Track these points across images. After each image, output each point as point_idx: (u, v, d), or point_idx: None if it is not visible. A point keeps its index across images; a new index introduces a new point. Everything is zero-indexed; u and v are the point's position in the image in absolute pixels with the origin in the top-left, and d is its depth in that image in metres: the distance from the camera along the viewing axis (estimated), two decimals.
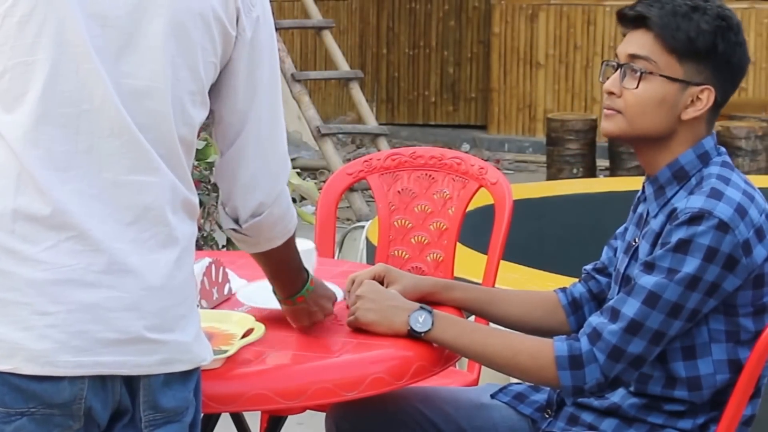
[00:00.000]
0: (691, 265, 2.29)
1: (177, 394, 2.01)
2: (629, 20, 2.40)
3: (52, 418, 1.93)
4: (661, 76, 2.37)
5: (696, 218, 2.29)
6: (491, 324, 2.70)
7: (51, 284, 1.90)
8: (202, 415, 2.12)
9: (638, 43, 2.38)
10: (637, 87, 2.38)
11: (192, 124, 2.02)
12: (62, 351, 1.90)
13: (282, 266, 2.35)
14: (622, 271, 2.48)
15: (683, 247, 2.29)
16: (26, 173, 1.90)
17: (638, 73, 2.38)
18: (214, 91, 2.08)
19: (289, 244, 2.28)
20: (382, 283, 2.60)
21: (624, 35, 2.43)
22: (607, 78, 2.43)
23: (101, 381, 1.94)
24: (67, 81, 1.91)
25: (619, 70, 2.40)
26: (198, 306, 2.11)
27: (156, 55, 1.95)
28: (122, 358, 1.94)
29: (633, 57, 2.38)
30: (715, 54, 2.36)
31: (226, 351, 2.26)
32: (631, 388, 2.43)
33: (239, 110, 2.11)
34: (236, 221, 2.19)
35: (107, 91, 1.92)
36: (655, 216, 2.41)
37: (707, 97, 2.38)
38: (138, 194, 1.95)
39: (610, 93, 2.41)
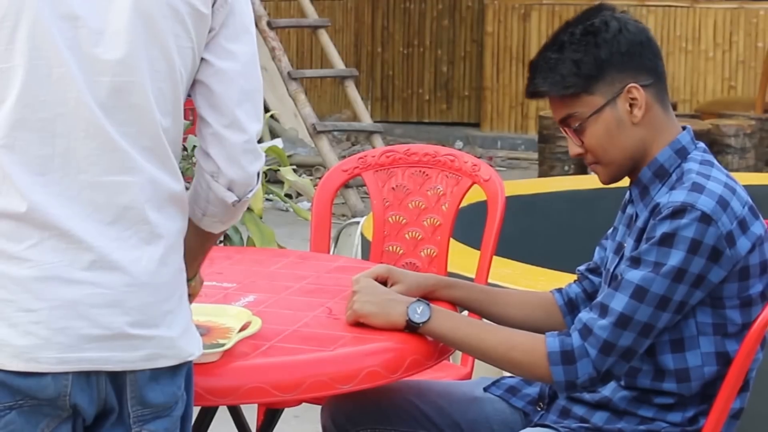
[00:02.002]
0: (676, 257, 2.31)
1: (165, 389, 2.01)
2: (536, 97, 2.48)
3: (40, 408, 1.94)
4: (591, 116, 2.42)
5: (679, 212, 2.32)
6: (484, 320, 2.72)
7: (34, 281, 1.91)
8: (194, 408, 2.12)
9: (555, 109, 2.47)
10: (585, 137, 2.44)
11: (176, 114, 2.02)
12: (46, 347, 1.91)
13: (215, 243, 2.30)
14: (612, 270, 2.50)
15: (667, 240, 2.32)
16: (6, 177, 1.91)
17: (577, 129, 2.44)
18: (202, 63, 2.07)
19: None
20: (385, 283, 2.60)
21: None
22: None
23: (86, 377, 1.94)
24: (41, 86, 1.91)
25: (569, 135, 2.47)
26: (189, 301, 2.12)
27: (129, 50, 1.94)
28: (106, 354, 1.94)
29: (563, 121, 2.46)
30: (605, 62, 2.41)
31: (223, 344, 2.27)
32: (622, 382, 2.45)
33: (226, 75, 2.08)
34: (235, 192, 2.14)
35: (81, 94, 1.92)
36: (641, 214, 2.45)
37: (637, 92, 2.42)
38: (115, 195, 1.95)
39: (578, 155, 2.48)
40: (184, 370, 2.04)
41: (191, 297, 2.32)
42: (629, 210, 2.53)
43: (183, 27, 2.00)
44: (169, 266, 2.00)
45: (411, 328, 2.45)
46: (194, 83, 2.08)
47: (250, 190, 2.15)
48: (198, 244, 2.22)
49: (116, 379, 1.96)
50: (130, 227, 1.95)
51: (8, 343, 1.91)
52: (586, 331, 2.37)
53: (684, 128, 2.49)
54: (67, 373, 1.92)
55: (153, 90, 1.97)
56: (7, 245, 1.92)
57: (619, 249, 2.51)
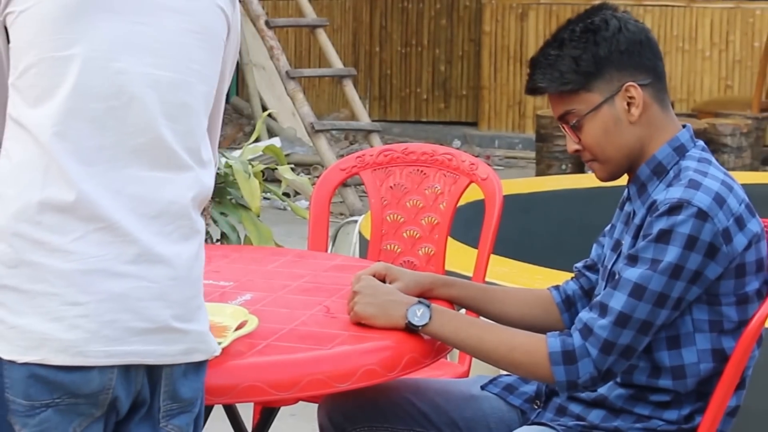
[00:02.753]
0: (672, 254, 2.32)
1: (192, 384, 2.03)
2: (536, 93, 2.49)
3: (76, 407, 1.94)
4: (588, 113, 2.43)
5: (675, 208, 2.33)
6: (483, 318, 2.72)
7: (81, 274, 1.91)
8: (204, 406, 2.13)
9: (554, 105, 2.48)
10: (582, 135, 2.45)
11: (215, 115, 2.09)
12: (93, 341, 1.91)
13: None
14: (609, 267, 2.51)
15: (664, 237, 2.33)
16: (55, 165, 1.91)
17: (575, 126, 2.45)
18: None
19: None
20: (383, 281, 2.61)
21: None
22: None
23: (126, 370, 1.95)
24: (96, 77, 1.93)
25: (567, 131, 2.48)
26: None
27: (183, 51, 1.99)
28: (149, 348, 1.96)
29: (562, 117, 2.47)
30: (604, 60, 2.42)
31: (220, 343, 2.27)
32: (618, 379, 2.46)
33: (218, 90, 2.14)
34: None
35: (134, 89, 1.95)
36: (639, 211, 2.46)
37: (635, 91, 2.43)
38: (160, 190, 1.97)
39: (575, 151, 2.48)
40: (206, 366, 2.07)
41: None
42: (627, 207, 2.54)
43: (225, 32, 2.07)
44: (200, 261, 2.04)
45: (411, 329, 2.46)
46: None
47: None
48: None
49: (152, 373, 1.98)
50: (172, 222, 1.98)
51: (53, 338, 1.91)
52: (586, 331, 2.38)
53: (684, 126, 2.50)
54: (112, 367, 1.93)
55: (200, 92, 2.01)
56: (51, 237, 1.91)
57: (616, 246, 2.52)
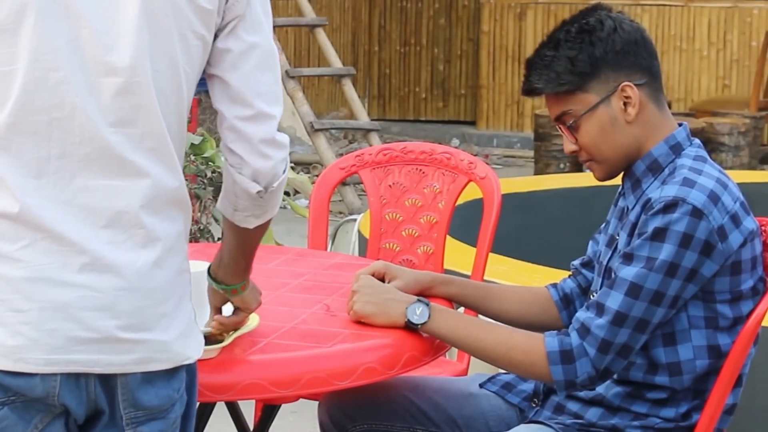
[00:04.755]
0: (667, 252, 2.33)
1: (160, 392, 1.99)
2: (532, 94, 2.50)
3: (32, 404, 1.94)
4: (585, 113, 2.44)
5: (670, 206, 2.34)
6: (482, 317, 2.74)
7: (25, 282, 1.90)
8: (197, 406, 2.12)
9: (551, 106, 2.49)
10: (579, 135, 2.46)
11: (180, 112, 2.00)
12: (34, 348, 1.90)
13: (255, 244, 2.25)
14: (605, 263, 2.52)
15: (659, 235, 2.34)
16: (0, 178, 1.91)
17: (572, 126, 2.46)
18: (215, 58, 2.05)
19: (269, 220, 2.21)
20: (383, 280, 2.62)
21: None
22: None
23: (75, 378, 1.93)
24: (37, 90, 1.90)
25: (564, 132, 2.49)
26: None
27: (134, 50, 1.93)
28: (95, 357, 1.93)
29: (558, 118, 2.48)
30: (600, 60, 2.43)
31: (220, 341, 2.28)
32: (615, 376, 2.47)
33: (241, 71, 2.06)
34: (260, 183, 2.10)
35: (79, 99, 1.91)
36: (633, 208, 2.47)
37: (631, 90, 2.44)
38: (109, 199, 1.94)
39: (572, 152, 2.50)
40: (181, 373, 2.02)
41: (243, 311, 2.32)
42: (621, 203, 2.55)
43: (188, 24, 1.98)
44: (166, 269, 1.98)
45: (411, 328, 2.47)
46: (211, 78, 2.07)
47: (278, 180, 2.11)
48: (235, 244, 2.21)
49: (107, 381, 1.96)
50: (124, 231, 1.94)
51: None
52: (584, 331, 2.39)
53: (680, 125, 2.51)
54: (55, 375, 1.92)
55: (156, 90, 1.95)
56: (0, 245, 1.91)
57: (611, 242, 2.53)
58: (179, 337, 2.00)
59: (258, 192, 2.09)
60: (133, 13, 1.93)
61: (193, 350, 2.03)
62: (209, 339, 2.27)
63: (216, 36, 2.04)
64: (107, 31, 1.93)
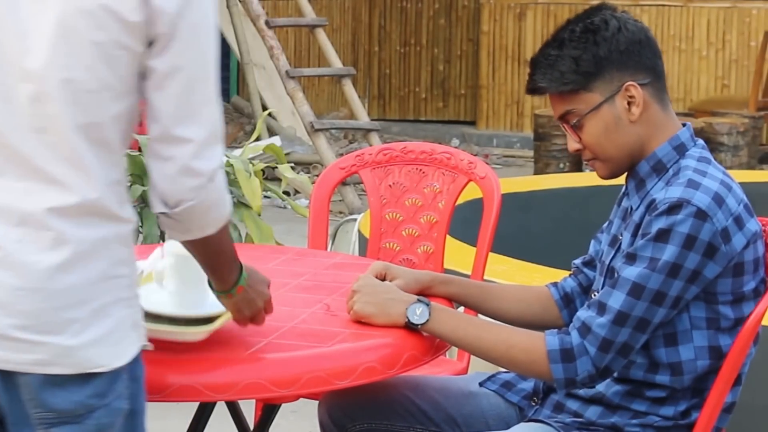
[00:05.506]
0: (670, 252, 2.34)
1: (71, 397, 1.97)
2: (536, 93, 2.50)
3: None
4: (589, 113, 2.45)
5: (674, 207, 2.35)
6: (480, 316, 2.74)
7: None
8: (143, 419, 2.06)
9: (555, 105, 2.49)
10: (583, 134, 2.47)
11: (99, 122, 1.97)
12: None
13: (219, 257, 2.18)
14: (607, 263, 2.53)
15: (663, 236, 2.34)
16: None
17: (576, 125, 2.46)
18: (146, 75, 2.00)
19: (224, 232, 2.11)
20: (383, 280, 2.62)
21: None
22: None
23: None
24: None
25: (568, 131, 2.49)
26: (126, 306, 2.02)
27: (45, 59, 1.93)
28: None
29: (562, 117, 2.48)
30: (604, 60, 2.43)
31: (210, 319, 2.28)
32: (615, 374, 2.47)
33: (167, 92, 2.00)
34: (166, 204, 2.03)
35: None
36: (637, 208, 2.47)
37: (635, 90, 2.44)
38: (23, 200, 1.95)
39: (576, 151, 2.50)
40: (101, 380, 1.98)
41: (235, 314, 2.30)
42: (624, 203, 2.55)
43: (107, 35, 1.94)
44: (76, 274, 1.95)
45: (411, 327, 2.47)
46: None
47: (184, 205, 2.02)
48: (198, 254, 2.16)
49: (10, 378, 1.96)
50: (31, 232, 1.94)
51: None
52: (584, 329, 2.39)
53: (684, 125, 2.52)
54: None
55: (68, 100, 1.94)
56: None
57: (614, 241, 2.53)
58: (92, 344, 1.96)
59: (162, 213, 2.04)
60: (51, 21, 1.93)
61: (111, 359, 1.98)
62: (200, 321, 2.27)
63: (152, 50, 1.98)
64: (24, 36, 1.94)
